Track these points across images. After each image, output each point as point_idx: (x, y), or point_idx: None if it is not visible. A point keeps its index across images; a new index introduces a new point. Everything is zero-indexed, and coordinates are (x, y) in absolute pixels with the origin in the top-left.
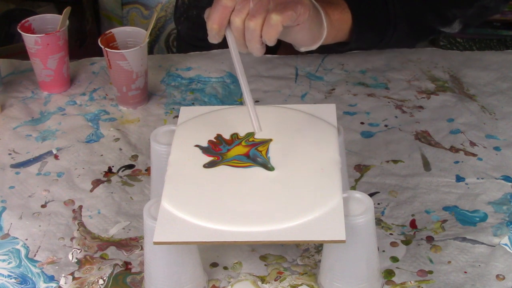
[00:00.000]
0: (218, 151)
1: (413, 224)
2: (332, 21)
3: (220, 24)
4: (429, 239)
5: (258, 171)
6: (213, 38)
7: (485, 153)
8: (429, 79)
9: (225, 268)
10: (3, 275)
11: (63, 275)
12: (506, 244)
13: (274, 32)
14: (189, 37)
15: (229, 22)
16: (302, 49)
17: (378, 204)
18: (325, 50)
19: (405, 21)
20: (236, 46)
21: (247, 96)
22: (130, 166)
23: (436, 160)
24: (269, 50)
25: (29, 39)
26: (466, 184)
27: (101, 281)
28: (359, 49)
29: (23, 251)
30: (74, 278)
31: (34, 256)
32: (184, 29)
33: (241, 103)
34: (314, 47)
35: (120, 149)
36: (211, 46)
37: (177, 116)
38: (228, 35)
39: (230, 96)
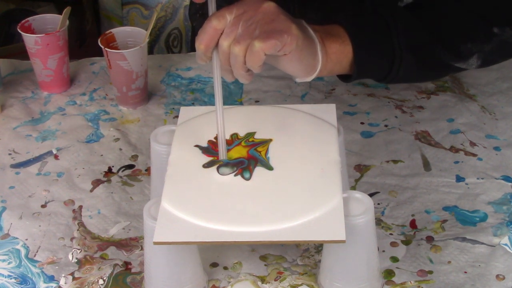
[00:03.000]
0: (218, 151)
1: (413, 224)
2: (329, 54)
3: (207, 45)
4: (429, 239)
5: (258, 171)
6: (199, 58)
7: (485, 153)
8: None
9: (225, 268)
10: (3, 275)
11: (63, 275)
12: (506, 244)
13: (256, 59)
14: None
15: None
16: (297, 80)
17: (378, 204)
18: None
19: (411, 55)
20: (220, 70)
21: (220, 124)
22: (130, 166)
23: (436, 160)
24: None
25: (29, 39)
26: (466, 184)
27: (101, 281)
28: (367, 80)
29: (23, 251)
30: (74, 278)
31: (34, 256)
32: (200, 26)
33: (241, 103)
34: (309, 79)
35: (120, 149)
36: None
37: (177, 116)
38: (214, 58)
39: (230, 96)
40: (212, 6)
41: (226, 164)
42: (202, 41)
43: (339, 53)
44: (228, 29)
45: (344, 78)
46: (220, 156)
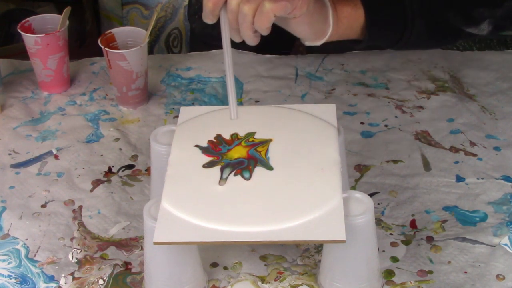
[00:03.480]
0: (218, 151)
1: (413, 224)
2: (341, 18)
3: (215, 3)
4: (429, 239)
5: (258, 171)
6: (207, 16)
7: (485, 153)
8: (429, 79)
9: (225, 268)
10: (3, 275)
11: (63, 275)
12: (506, 244)
13: (265, 20)
14: (204, 36)
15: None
16: (307, 43)
17: (378, 204)
18: (326, 49)
19: (423, 19)
20: (228, 29)
21: (229, 83)
22: (130, 166)
23: (436, 160)
24: (283, 46)
25: (29, 39)
26: (466, 184)
27: (101, 281)
28: (375, 48)
29: (23, 251)
30: (74, 278)
31: (34, 256)
32: (199, 27)
33: (241, 103)
34: (319, 43)
35: (120, 149)
36: None
37: (177, 116)
38: (222, 16)
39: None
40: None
41: (227, 164)
42: None
43: (350, 18)
44: None
45: (355, 43)
46: (232, 114)
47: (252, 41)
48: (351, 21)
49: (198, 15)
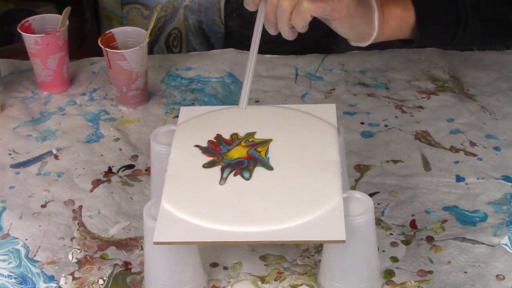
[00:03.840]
0: (218, 151)
1: (413, 224)
2: (388, 20)
3: None
4: (429, 239)
5: (258, 171)
6: (247, 4)
7: (485, 153)
8: (429, 79)
9: (225, 268)
10: (3, 275)
11: (63, 275)
12: (506, 244)
13: (301, 19)
14: (241, 35)
15: None
16: (352, 43)
17: (378, 204)
18: (325, 50)
19: (478, 17)
20: (263, 20)
21: (249, 71)
22: (130, 166)
23: (436, 160)
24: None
25: (29, 39)
26: (466, 184)
27: (101, 281)
28: (429, 46)
29: (23, 251)
30: (74, 278)
31: (34, 256)
32: (235, 26)
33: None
34: (364, 44)
35: (120, 149)
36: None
37: (177, 116)
38: (261, 7)
39: (230, 96)
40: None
41: (227, 165)
42: None
43: (399, 19)
44: None
45: (405, 42)
46: (240, 104)
47: (289, 36)
48: (401, 22)
49: (236, 14)
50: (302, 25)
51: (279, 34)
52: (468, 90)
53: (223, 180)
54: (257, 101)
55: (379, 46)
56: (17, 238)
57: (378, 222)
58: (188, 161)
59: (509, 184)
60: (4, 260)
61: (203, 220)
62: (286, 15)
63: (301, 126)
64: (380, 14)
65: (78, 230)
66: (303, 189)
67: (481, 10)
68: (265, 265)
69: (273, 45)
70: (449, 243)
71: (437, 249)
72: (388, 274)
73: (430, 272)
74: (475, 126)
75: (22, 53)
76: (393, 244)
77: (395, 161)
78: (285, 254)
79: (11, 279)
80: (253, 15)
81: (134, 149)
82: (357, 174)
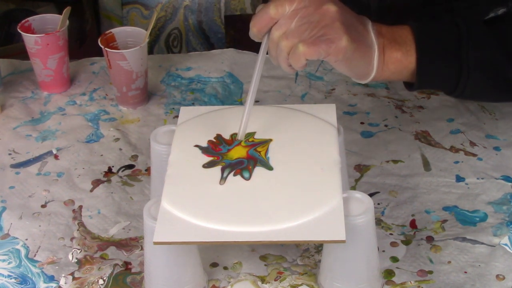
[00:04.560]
0: (218, 151)
1: (413, 224)
2: (387, 63)
3: (259, 30)
4: (429, 239)
5: (258, 171)
6: (253, 36)
7: (485, 153)
8: None
9: (225, 268)
10: (3, 275)
11: (63, 275)
12: (506, 244)
13: (297, 61)
14: None
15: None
16: (353, 79)
17: (378, 204)
18: None
19: (480, 71)
20: (265, 55)
21: (249, 102)
22: (130, 166)
23: (436, 160)
24: None
25: (29, 39)
26: (466, 184)
27: (101, 281)
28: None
29: (23, 251)
30: (74, 278)
31: (34, 256)
32: None
33: (241, 103)
34: (363, 82)
35: (120, 149)
36: None
37: (177, 116)
38: (264, 42)
39: (230, 96)
40: None
41: (228, 165)
42: (255, 25)
43: (399, 64)
44: (282, 20)
45: (407, 85)
46: (239, 135)
47: (289, 71)
48: (400, 67)
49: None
50: (298, 66)
51: None
52: None
53: (223, 180)
54: (257, 101)
55: None
56: (17, 238)
57: (378, 222)
58: (188, 161)
59: (509, 184)
60: (4, 260)
61: (203, 220)
62: (284, 55)
63: (301, 126)
64: (380, 56)
65: (78, 230)
66: (303, 189)
67: (484, 66)
68: (265, 265)
69: None
70: (449, 243)
71: (437, 249)
72: (388, 274)
73: (430, 272)
74: (475, 126)
75: (22, 53)
76: (393, 244)
77: (395, 161)
78: (285, 254)
79: (11, 279)
80: None
81: (134, 149)
82: (357, 174)
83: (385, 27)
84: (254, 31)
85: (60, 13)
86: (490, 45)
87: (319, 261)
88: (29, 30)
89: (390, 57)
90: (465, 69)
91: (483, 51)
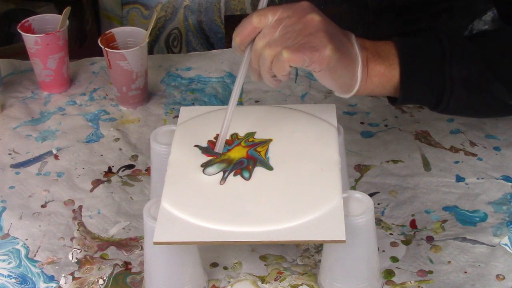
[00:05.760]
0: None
1: (413, 224)
2: (371, 76)
3: (242, 40)
4: (429, 239)
5: (258, 171)
6: (234, 48)
7: (485, 153)
8: None
9: (225, 268)
10: (3, 275)
11: (63, 275)
12: (506, 244)
13: (281, 68)
14: None
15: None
16: (336, 93)
17: (378, 204)
18: None
19: (464, 88)
20: (247, 66)
21: (228, 115)
22: (130, 166)
23: (436, 160)
24: None
25: (29, 39)
26: (466, 184)
27: (101, 281)
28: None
29: (23, 251)
30: (74, 278)
31: (34, 256)
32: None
33: (241, 103)
34: (346, 96)
35: (120, 149)
36: None
37: (177, 116)
38: (246, 54)
39: (230, 96)
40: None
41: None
42: (238, 35)
43: (382, 77)
44: (266, 30)
45: (391, 99)
46: (216, 148)
47: (271, 83)
48: (383, 81)
49: None
50: (282, 74)
51: None
52: None
53: (223, 180)
54: (257, 101)
55: None
56: (17, 238)
57: (378, 222)
58: (188, 161)
59: (509, 184)
60: (4, 260)
61: (203, 220)
62: (267, 64)
63: (301, 126)
64: (364, 68)
65: (78, 230)
66: (303, 189)
67: (468, 81)
68: (265, 265)
69: None
70: (449, 243)
71: (437, 249)
72: (388, 274)
73: (430, 272)
74: (475, 126)
75: (22, 53)
76: (393, 244)
77: (395, 161)
78: (285, 254)
79: (11, 279)
80: None
81: (134, 149)
82: (357, 174)
83: (368, 41)
84: (237, 40)
85: (60, 13)
86: (474, 60)
87: (319, 261)
88: (29, 30)
89: (374, 70)
90: (448, 83)
91: (466, 66)
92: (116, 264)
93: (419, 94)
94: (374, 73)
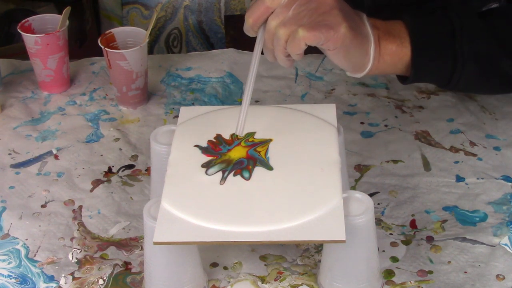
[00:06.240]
0: (218, 151)
1: (413, 224)
2: (383, 55)
3: (255, 21)
4: (429, 239)
5: (258, 171)
6: (247, 30)
7: (485, 153)
8: None
9: (225, 268)
10: (3, 275)
11: (63, 275)
12: (506, 244)
13: (296, 47)
14: None
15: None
16: (347, 73)
17: (378, 204)
18: None
19: (475, 64)
20: (262, 47)
21: (246, 99)
22: (130, 166)
23: (436, 160)
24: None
25: (29, 39)
26: (466, 184)
27: (101, 281)
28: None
29: (23, 251)
30: (74, 278)
31: (34, 256)
32: None
33: (241, 103)
34: (358, 75)
35: (120, 149)
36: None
37: (177, 116)
38: (259, 35)
39: (230, 96)
40: None
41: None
42: (251, 16)
43: (394, 56)
44: (279, 9)
45: (401, 78)
46: (237, 130)
47: (285, 64)
48: (395, 59)
49: None
50: (297, 53)
51: None
52: None
53: (223, 180)
54: (257, 101)
55: None
56: (17, 238)
57: (378, 222)
58: (188, 161)
59: (509, 184)
60: (4, 260)
61: (203, 220)
62: (281, 43)
63: (301, 126)
64: (376, 47)
65: (78, 230)
66: (303, 189)
67: (479, 58)
68: (265, 265)
69: None
70: (449, 243)
71: (437, 249)
72: (388, 274)
73: (430, 272)
74: (475, 126)
75: (22, 53)
76: (393, 244)
77: (395, 161)
78: (285, 254)
79: (11, 279)
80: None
81: (134, 149)
82: (357, 174)
83: (379, 21)
84: (250, 22)
85: (60, 13)
86: (484, 37)
87: (319, 261)
88: (29, 30)
89: (386, 49)
90: (459, 61)
91: (476, 43)
92: (116, 264)
93: (430, 71)
94: (386, 51)
